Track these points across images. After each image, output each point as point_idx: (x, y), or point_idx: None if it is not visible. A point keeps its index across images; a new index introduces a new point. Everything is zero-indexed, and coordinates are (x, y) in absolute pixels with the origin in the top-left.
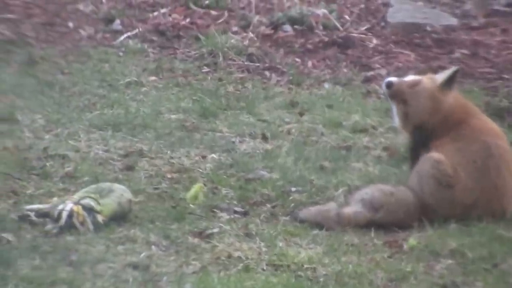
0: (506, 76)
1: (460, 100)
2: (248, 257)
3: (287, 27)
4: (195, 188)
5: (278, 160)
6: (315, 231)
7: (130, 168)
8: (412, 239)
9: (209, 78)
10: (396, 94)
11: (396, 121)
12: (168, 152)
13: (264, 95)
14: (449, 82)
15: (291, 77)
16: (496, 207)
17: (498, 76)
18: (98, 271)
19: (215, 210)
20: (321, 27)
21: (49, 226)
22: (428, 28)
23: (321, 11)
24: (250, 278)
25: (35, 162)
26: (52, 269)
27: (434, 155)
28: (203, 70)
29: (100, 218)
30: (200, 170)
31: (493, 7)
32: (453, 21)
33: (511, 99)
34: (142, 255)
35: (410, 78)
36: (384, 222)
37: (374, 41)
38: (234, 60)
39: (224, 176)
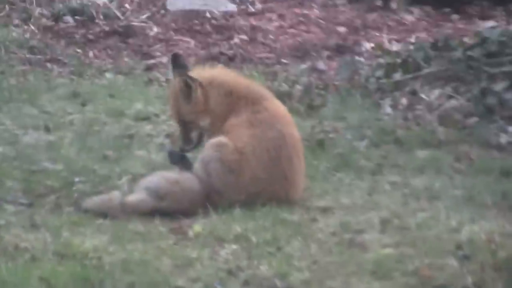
0: (285, 61)
1: (246, 82)
2: (34, 247)
3: (68, 18)
4: None
5: (62, 151)
6: (100, 221)
7: None
8: (197, 226)
9: None
10: None
11: None
12: None
13: (46, 86)
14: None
15: (72, 68)
16: (281, 196)
17: (276, 61)
18: None
19: (0, 202)
20: (101, 17)
21: None
22: (208, 15)
23: (102, 0)
24: (37, 268)
25: None
26: None
27: (216, 140)
28: None
29: None
30: None
31: None
32: (232, 7)
33: (290, 83)
34: None
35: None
36: (169, 210)
37: (155, 29)
38: (16, 53)
39: (9, 169)
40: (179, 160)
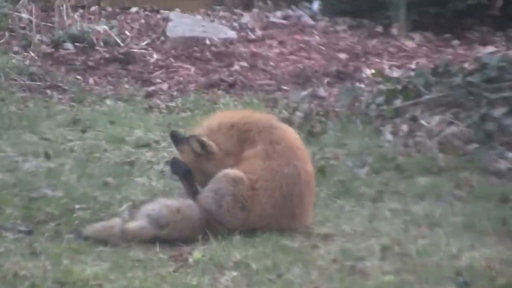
0: (285, 87)
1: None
2: (34, 275)
3: (68, 45)
4: None
5: (62, 178)
6: (100, 248)
7: None
8: (197, 253)
9: None
10: None
11: None
12: None
13: (46, 113)
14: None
15: (72, 95)
16: (286, 229)
17: (277, 88)
18: None
19: None
20: (102, 44)
21: None
22: (208, 42)
23: (102, 27)
24: None
25: None
26: None
27: (232, 172)
28: None
29: None
30: None
31: (270, 20)
32: (232, 34)
33: (290, 110)
34: None
35: None
36: (170, 238)
37: (155, 56)
38: (16, 80)
39: (8, 196)
40: (183, 172)
